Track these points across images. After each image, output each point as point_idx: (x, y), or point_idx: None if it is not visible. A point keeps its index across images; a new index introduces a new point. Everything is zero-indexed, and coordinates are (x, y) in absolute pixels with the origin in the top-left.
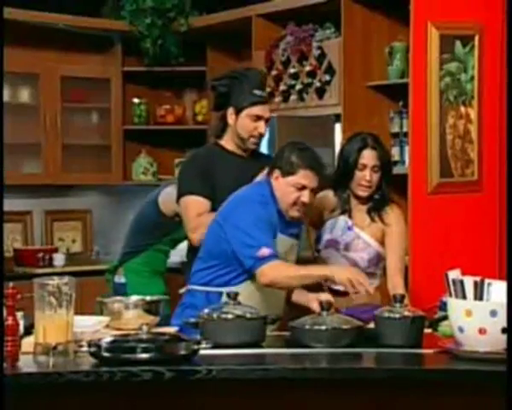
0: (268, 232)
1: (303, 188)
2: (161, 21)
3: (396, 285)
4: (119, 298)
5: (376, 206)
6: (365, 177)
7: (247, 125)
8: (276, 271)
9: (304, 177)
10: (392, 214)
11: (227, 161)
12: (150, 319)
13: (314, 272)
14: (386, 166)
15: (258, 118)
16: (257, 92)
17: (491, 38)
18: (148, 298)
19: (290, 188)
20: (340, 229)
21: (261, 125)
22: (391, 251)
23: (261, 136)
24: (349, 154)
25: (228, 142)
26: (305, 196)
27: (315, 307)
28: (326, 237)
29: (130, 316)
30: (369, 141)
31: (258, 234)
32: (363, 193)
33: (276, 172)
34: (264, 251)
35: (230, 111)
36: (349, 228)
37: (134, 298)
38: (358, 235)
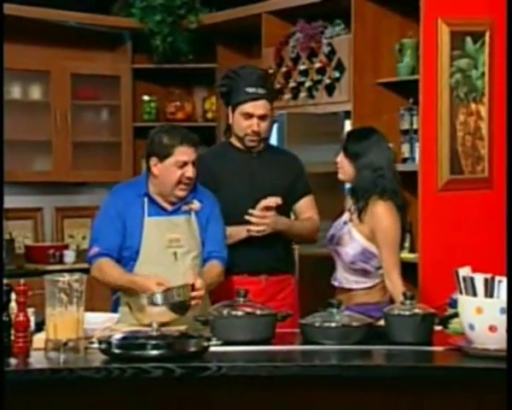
0: (109, 227)
1: (184, 164)
2: (171, 18)
3: (395, 284)
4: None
5: (354, 202)
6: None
7: (240, 123)
8: (98, 271)
9: (181, 153)
10: (375, 209)
11: (233, 159)
12: (172, 317)
13: (124, 281)
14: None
15: (249, 116)
16: (249, 90)
17: (501, 34)
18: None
19: (171, 168)
20: (340, 224)
21: (253, 123)
22: (381, 248)
23: (255, 134)
24: None
25: (234, 139)
26: (189, 171)
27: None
28: (331, 232)
29: (155, 311)
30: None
31: (96, 231)
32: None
33: (154, 160)
34: (94, 250)
35: (229, 110)
36: (345, 222)
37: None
38: (349, 230)
